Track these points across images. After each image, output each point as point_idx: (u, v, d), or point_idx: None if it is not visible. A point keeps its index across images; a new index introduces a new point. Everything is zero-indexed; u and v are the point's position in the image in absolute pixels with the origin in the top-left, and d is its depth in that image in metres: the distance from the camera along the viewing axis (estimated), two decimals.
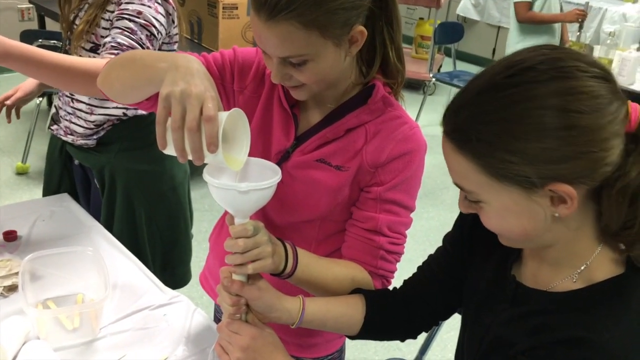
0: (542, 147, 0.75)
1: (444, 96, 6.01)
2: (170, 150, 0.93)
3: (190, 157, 0.91)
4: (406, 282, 1.12)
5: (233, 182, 0.96)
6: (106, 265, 1.41)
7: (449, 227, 1.09)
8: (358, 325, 1.07)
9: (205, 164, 0.95)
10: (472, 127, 0.79)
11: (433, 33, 5.22)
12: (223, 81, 1.17)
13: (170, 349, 1.34)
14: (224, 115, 0.90)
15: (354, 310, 1.07)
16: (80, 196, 1.97)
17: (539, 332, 0.83)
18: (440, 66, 6.31)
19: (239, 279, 0.98)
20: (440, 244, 1.11)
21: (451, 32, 5.34)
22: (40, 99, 3.92)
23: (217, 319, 1.48)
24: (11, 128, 4.52)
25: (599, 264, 0.84)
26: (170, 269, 2.01)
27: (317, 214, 1.17)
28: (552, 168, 0.77)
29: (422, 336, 1.68)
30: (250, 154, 0.99)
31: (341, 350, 1.37)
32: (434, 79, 5.33)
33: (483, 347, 0.92)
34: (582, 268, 0.84)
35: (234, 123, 0.95)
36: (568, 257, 0.86)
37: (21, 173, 3.94)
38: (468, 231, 1.02)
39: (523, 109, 0.76)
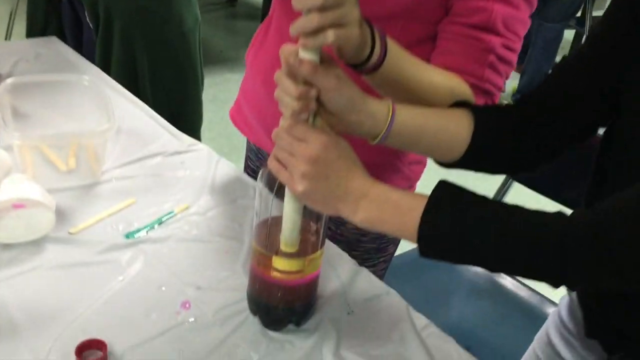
0: None
1: None
2: None
3: None
4: (526, 98, 0.82)
5: None
6: (108, 98, 1.11)
7: None
8: (462, 146, 0.79)
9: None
10: None
11: None
12: None
13: (191, 199, 1.06)
14: None
15: (458, 125, 0.78)
16: (70, 42, 1.64)
17: None
18: None
19: (309, 57, 0.68)
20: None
21: None
22: None
23: (249, 169, 1.19)
24: None
25: None
26: None
27: (401, 6, 0.86)
28: None
29: None
30: None
31: None
32: None
33: None
34: None
35: None
36: None
37: None
38: None
39: None
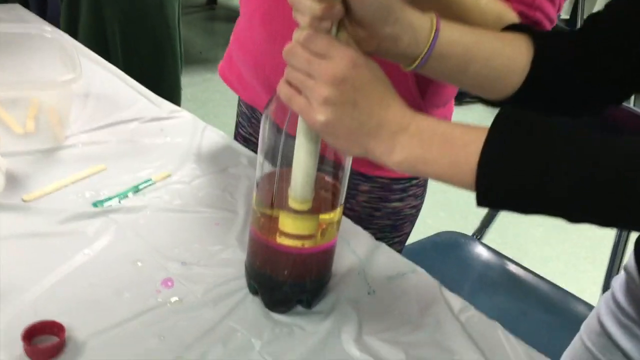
0: None
1: None
2: None
3: None
4: (595, 21, 0.67)
5: None
6: (74, 50, 0.94)
7: None
8: (519, 76, 0.63)
9: None
10: None
11: None
12: None
13: (173, 167, 0.89)
14: None
15: (515, 50, 0.63)
16: (33, 10, 1.46)
17: None
18: None
19: None
20: None
21: None
22: None
23: (240, 137, 1.03)
24: None
25: None
26: None
27: None
28: None
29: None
30: None
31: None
32: None
33: None
34: None
35: None
36: None
37: None
38: None
39: None
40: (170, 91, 1.55)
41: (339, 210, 0.65)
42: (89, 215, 0.76)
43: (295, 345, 0.63)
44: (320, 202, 0.63)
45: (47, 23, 1.30)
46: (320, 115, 0.54)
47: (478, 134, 0.53)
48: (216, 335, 0.62)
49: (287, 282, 0.65)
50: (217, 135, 0.99)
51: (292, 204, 0.61)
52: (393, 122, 0.55)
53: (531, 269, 1.40)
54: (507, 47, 0.63)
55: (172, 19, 1.49)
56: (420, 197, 0.94)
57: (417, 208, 0.95)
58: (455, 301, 0.73)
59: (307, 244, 0.63)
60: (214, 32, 4.19)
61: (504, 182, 0.51)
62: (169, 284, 0.68)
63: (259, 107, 0.92)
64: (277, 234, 0.63)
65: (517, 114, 0.52)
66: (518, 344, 0.68)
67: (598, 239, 2.49)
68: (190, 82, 3.33)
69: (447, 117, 0.90)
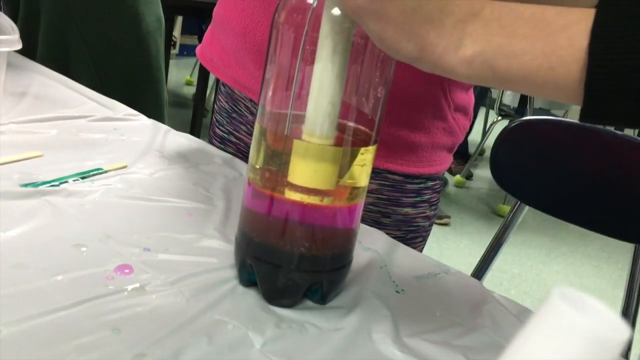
0: None
1: None
2: None
3: None
4: None
5: None
6: (12, 23, 0.77)
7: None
8: None
9: None
10: None
11: None
12: None
13: (131, 159, 0.71)
14: None
15: None
16: None
17: None
18: None
19: None
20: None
21: None
22: None
23: (216, 138, 0.84)
24: None
25: None
26: None
27: None
28: None
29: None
30: None
31: (442, 178, 0.78)
32: None
33: None
34: None
35: None
36: None
37: None
38: None
39: None
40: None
41: (370, 152, 0.48)
42: (17, 195, 0.56)
43: (311, 345, 0.43)
44: (343, 143, 0.46)
45: None
46: None
47: (581, 13, 0.38)
48: (197, 327, 0.42)
49: (296, 259, 0.47)
50: (185, 137, 0.82)
51: (309, 136, 0.44)
52: (460, 6, 0.40)
53: None
54: None
55: (156, 54, 1.31)
56: (434, 206, 0.78)
57: (430, 221, 0.78)
58: (509, 303, 0.55)
59: (326, 201, 0.46)
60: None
61: (629, 66, 0.36)
62: (126, 270, 0.48)
63: (241, 89, 0.76)
64: (286, 188, 0.45)
65: None
66: None
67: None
68: None
69: (469, 105, 0.76)
